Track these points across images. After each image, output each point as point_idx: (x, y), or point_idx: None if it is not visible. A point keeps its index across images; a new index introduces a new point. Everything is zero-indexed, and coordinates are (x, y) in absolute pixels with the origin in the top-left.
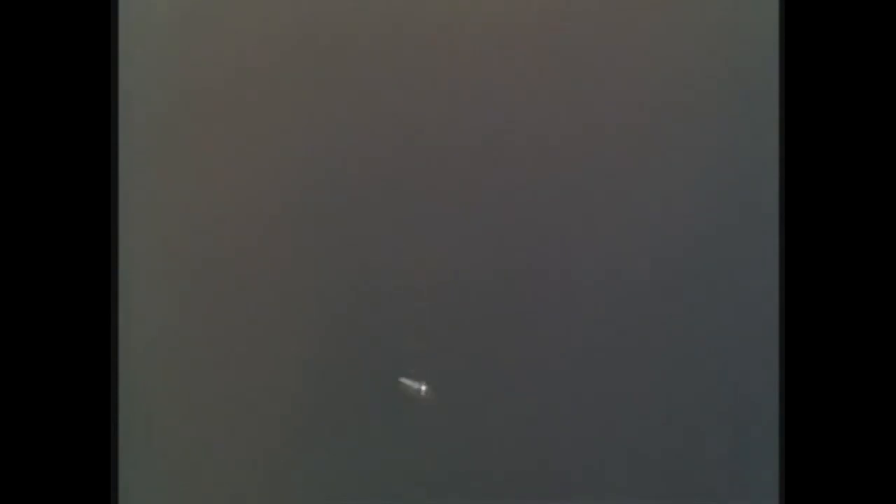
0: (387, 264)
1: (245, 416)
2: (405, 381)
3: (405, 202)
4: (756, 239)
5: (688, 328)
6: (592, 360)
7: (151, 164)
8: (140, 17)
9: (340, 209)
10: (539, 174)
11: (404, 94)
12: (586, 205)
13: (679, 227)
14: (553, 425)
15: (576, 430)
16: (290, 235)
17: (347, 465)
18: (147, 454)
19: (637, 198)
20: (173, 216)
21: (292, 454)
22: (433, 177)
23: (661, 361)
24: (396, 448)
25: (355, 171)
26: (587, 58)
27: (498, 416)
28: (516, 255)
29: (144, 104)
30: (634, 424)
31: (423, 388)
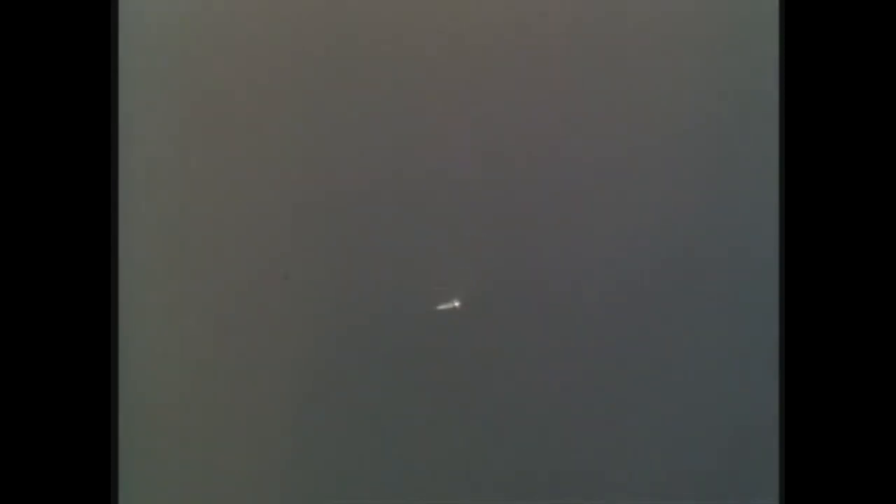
0: (388, 264)
1: (245, 415)
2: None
3: (406, 203)
4: (756, 238)
5: (687, 328)
6: (591, 360)
7: (151, 164)
8: (140, 17)
9: (342, 210)
10: (538, 174)
11: (404, 93)
12: (585, 205)
13: (679, 228)
14: (550, 424)
15: (574, 429)
16: (291, 235)
17: (348, 464)
18: (147, 454)
19: (637, 198)
20: (174, 215)
21: (293, 454)
22: (432, 176)
23: (660, 361)
24: (397, 448)
25: (357, 172)
26: (587, 57)
27: (495, 415)
28: (515, 255)
29: (144, 104)
30: (633, 424)
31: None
